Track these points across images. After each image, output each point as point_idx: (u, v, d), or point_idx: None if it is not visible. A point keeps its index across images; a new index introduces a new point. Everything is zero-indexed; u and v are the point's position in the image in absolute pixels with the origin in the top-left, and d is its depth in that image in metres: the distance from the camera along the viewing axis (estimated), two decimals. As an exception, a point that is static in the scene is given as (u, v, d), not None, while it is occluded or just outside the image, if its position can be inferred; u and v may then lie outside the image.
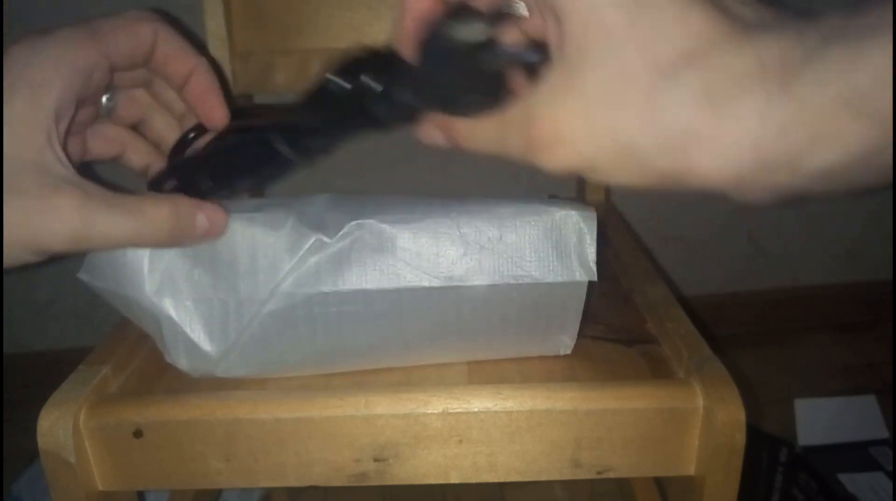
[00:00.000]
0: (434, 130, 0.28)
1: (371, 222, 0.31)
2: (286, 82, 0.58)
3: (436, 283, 0.31)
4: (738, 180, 0.21)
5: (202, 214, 0.31)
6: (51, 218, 0.27)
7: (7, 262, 0.28)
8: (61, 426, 0.31)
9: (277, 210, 0.32)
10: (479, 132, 0.26)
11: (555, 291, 0.32)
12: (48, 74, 0.28)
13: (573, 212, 0.32)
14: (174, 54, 0.32)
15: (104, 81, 0.31)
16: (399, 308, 0.32)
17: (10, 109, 0.27)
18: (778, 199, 0.23)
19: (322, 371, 0.35)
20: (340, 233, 0.31)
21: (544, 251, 0.32)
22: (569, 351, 0.36)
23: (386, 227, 0.31)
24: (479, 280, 0.32)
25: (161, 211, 0.29)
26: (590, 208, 0.33)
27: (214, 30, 0.56)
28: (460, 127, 0.27)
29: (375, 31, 0.58)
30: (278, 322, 0.32)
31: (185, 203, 0.30)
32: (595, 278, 0.32)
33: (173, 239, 0.30)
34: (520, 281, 0.32)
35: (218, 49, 0.57)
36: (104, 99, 0.33)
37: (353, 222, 0.31)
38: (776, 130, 0.19)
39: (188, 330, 0.32)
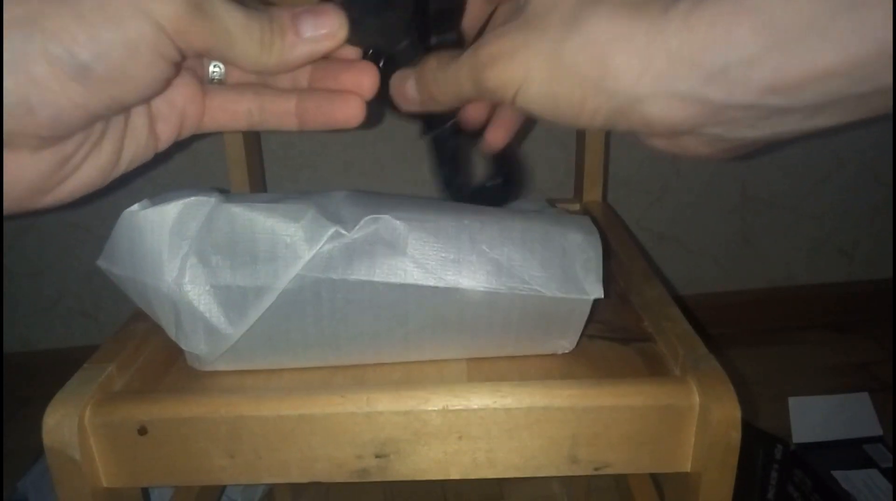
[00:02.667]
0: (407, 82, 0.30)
1: (386, 218, 0.32)
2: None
3: (441, 284, 0.32)
4: (666, 90, 0.22)
5: (306, 15, 0.26)
6: None
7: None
8: (66, 423, 0.32)
9: (298, 203, 0.33)
10: (443, 71, 0.28)
11: (560, 304, 0.33)
12: None
13: (579, 234, 0.33)
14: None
15: None
16: (403, 303, 0.33)
17: None
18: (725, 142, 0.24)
19: (325, 361, 0.36)
20: (357, 226, 0.31)
21: (551, 267, 0.33)
22: (566, 351, 0.37)
23: (400, 224, 0.32)
24: (484, 287, 0.32)
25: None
26: (595, 231, 0.34)
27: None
28: (429, 70, 0.29)
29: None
30: (288, 304, 0.32)
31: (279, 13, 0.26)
32: (602, 295, 0.33)
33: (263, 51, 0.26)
34: (526, 293, 0.32)
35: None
36: (210, 67, 0.29)
37: (369, 217, 0.32)
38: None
39: (207, 315, 0.32)
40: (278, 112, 0.30)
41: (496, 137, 0.35)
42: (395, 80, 0.31)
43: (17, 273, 0.93)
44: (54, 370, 0.40)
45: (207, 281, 0.32)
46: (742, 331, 1.04)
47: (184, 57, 0.25)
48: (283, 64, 0.26)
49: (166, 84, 0.26)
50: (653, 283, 0.43)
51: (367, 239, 0.32)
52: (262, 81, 0.31)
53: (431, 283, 0.32)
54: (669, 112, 0.22)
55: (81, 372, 0.35)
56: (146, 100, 0.27)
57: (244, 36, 0.25)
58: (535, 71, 0.24)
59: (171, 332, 0.34)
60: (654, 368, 0.35)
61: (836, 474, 0.69)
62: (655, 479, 0.56)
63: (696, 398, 0.32)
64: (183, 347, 0.34)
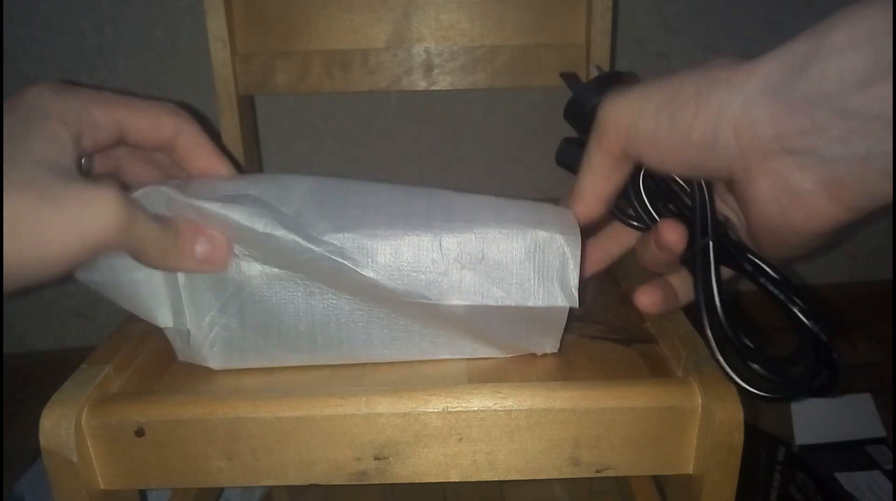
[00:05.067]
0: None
1: (350, 237, 0.31)
2: (287, 84, 0.59)
3: (419, 300, 0.31)
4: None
5: (203, 238, 0.31)
6: (91, 209, 0.25)
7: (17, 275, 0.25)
8: (63, 425, 0.32)
9: (253, 206, 0.31)
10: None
11: (536, 312, 0.32)
12: (69, 108, 0.28)
13: (558, 235, 0.31)
14: (196, 153, 0.33)
15: (101, 145, 0.30)
16: (375, 311, 0.33)
17: (34, 134, 0.26)
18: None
19: (314, 359, 0.35)
20: (319, 242, 0.30)
21: (525, 274, 0.31)
22: (552, 351, 0.36)
23: (367, 242, 0.31)
24: (459, 300, 0.31)
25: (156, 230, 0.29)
26: (575, 230, 0.32)
27: (216, 31, 0.56)
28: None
29: (376, 33, 0.58)
30: (275, 283, 0.32)
31: (185, 229, 0.30)
32: (576, 304, 0.31)
33: (166, 260, 0.30)
34: (500, 303, 0.31)
35: (219, 51, 0.57)
36: (83, 161, 0.31)
37: (330, 235, 0.30)
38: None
39: (189, 294, 0.33)
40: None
41: (647, 299, 0.33)
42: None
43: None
44: (51, 372, 0.40)
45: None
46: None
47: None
48: (175, 270, 0.31)
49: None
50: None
51: (332, 254, 0.30)
52: None
53: (406, 299, 0.31)
54: (775, 108, 0.24)
55: (78, 373, 0.34)
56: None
57: (153, 246, 0.29)
58: (641, 97, 0.27)
59: (168, 319, 0.34)
60: (656, 369, 0.35)
61: (839, 475, 0.68)
62: (658, 481, 0.56)
63: (699, 400, 0.32)
64: (187, 328, 0.34)
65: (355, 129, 0.89)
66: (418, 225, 0.32)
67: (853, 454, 0.72)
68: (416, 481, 0.33)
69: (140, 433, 0.32)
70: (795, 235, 0.27)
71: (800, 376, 0.30)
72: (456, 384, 0.33)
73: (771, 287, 0.30)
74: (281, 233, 0.30)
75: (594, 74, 0.35)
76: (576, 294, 0.31)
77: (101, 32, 0.82)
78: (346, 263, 0.30)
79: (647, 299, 0.33)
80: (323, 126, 0.89)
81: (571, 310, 0.33)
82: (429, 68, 0.59)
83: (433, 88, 0.60)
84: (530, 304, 0.31)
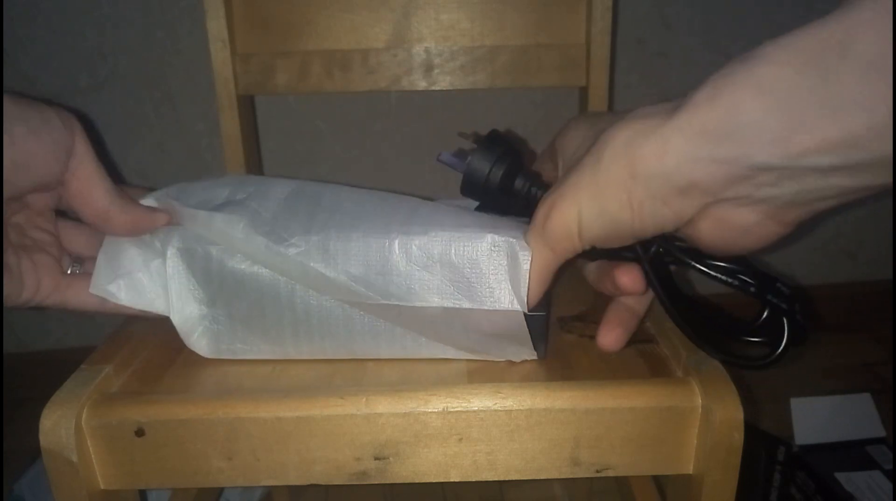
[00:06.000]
0: None
1: (315, 239, 0.32)
2: (287, 84, 0.59)
3: (380, 300, 0.32)
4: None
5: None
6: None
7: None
8: (63, 425, 0.32)
9: (233, 213, 0.34)
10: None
11: (493, 317, 0.32)
12: None
13: (512, 240, 0.31)
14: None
15: None
16: (346, 310, 0.34)
17: None
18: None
19: (300, 346, 0.36)
20: (289, 242, 0.32)
21: (478, 277, 0.31)
22: (530, 358, 0.35)
23: (331, 244, 0.32)
24: (419, 301, 0.32)
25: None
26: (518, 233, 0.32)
27: (216, 32, 0.56)
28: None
29: (376, 33, 0.58)
30: (259, 279, 0.34)
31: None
32: (525, 308, 0.31)
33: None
34: (453, 305, 0.31)
35: (219, 51, 0.57)
36: (70, 265, 0.36)
37: (298, 238, 0.32)
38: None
39: (176, 285, 0.35)
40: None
41: (610, 339, 0.34)
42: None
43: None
44: (51, 372, 0.40)
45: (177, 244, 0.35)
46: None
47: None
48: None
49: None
50: (654, 283, 0.42)
51: (301, 256, 0.32)
52: None
53: (370, 301, 0.32)
54: (696, 176, 0.25)
55: (78, 373, 0.34)
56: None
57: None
58: (584, 200, 0.28)
59: (166, 308, 0.36)
60: (656, 369, 0.35)
61: (839, 475, 0.68)
62: (658, 481, 0.56)
63: (699, 400, 0.32)
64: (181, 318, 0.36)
65: (355, 129, 0.89)
66: (380, 228, 0.33)
67: (853, 454, 0.72)
68: (416, 481, 0.33)
69: (140, 433, 0.32)
70: (741, 250, 0.28)
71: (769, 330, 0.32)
72: (456, 384, 0.33)
73: (724, 278, 0.31)
74: (255, 236, 0.33)
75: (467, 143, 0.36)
76: (525, 299, 0.31)
77: (101, 32, 0.82)
78: (311, 264, 0.32)
79: (609, 339, 0.34)
80: (323, 126, 0.89)
81: (548, 316, 0.34)
82: (429, 68, 0.59)
83: (433, 88, 0.60)
84: (484, 307, 0.31)
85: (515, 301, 0.31)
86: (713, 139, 0.24)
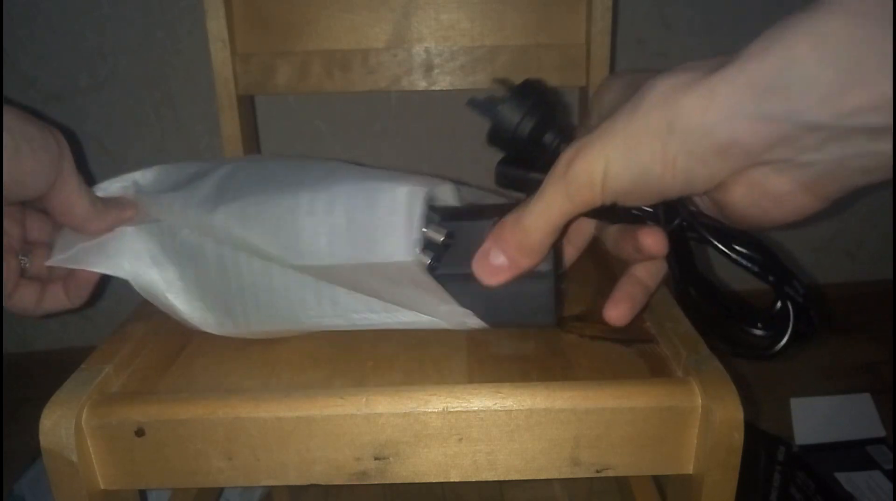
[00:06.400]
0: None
1: (236, 206, 0.34)
2: (287, 83, 0.59)
3: (298, 261, 0.33)
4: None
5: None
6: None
7: None
8: (63, 425, 0.32)
9: (178, 189, 0.37)
10: (526, 208, 0.30)
11: (392, 270, 0.32)
12: None
13: (399, 187, 0.31)
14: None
15: None
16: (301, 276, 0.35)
17: None
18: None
19: (248, 316, 0.37)
20: (212, 213, 0.34)
21: (370, 231, 0.32)
22: (476, 326, 0.36)
23: (248, 209, 0.33)
24: (329, 261, 0.32)
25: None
26: (422, 185, 0.32)
27: (216, 32, 0.56)
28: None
29: (376, 33, 0.58)
30: (205, 247, 0.36)
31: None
32: (413, 256, 0.31)
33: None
34: (359, 261, 0.32)
35: (219, 51, 0.57)
36: (24, 260, 0.37)
37: (223, 205, 0.34)
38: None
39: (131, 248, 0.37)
40: (57, 293, 0.38)
41: (617, 313, 0.33)
42: (477, 259, 0.32)
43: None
44: (51, 371, 0.40)
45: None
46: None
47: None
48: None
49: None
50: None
51: (225, 222, 0.34)
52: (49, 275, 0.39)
53: (290, 262, 0.33)
54: (739, 134, 0.24)
55: (78, 373, 0.34)
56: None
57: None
58: (614, 148, 0.26)
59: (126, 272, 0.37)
60: (656, 369, 0.35)
61: (839, 475, 0.68)
62: (658, 481, 0.56)
63: (699, 400, 0.32)
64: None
65: (355, 129, 0.89)
66: (292, 189, 0.33)
67: (853, 454, 0.72)
68: (416, 481, 0.33)
69: (140, 433, 0.32)
70: (771, 223, 0.27)
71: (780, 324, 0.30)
72: (456, 383, 0.33)
73: (734, 256, 0.30)
74: (188, 209, 0.35)
75: (499, 91, 0.34)
76: (415, 248, 0.31)
77: (101, 32, 0.82)
78: (234, 231, 0.34)
79: (616, 312, 0.33)
80: (323, 126, 0.89)
81: (558, 276, 0.32)
82: (429, 68, 0.59)
83: (433, 88, 0.59)
84: (378, 260, 0.31)
85: (408, 249, 0.31)
86: (762, 94, 0.23)
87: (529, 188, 0.32)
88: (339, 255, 0.32)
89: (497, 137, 0.34)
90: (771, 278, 0.30)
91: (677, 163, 0.25)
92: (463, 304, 0.34)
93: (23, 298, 0.37)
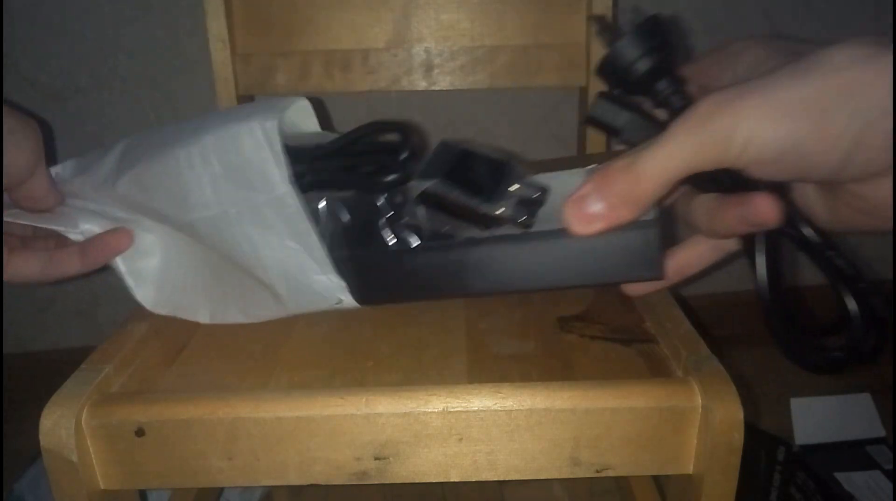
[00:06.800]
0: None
1: (131, 174, 0.36)
2: (287, 84, 0.59)
3: (192, 215, 0.34)
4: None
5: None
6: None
7: None
8: (63, 425, 0.32)
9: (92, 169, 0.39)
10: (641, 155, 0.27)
11: (266, 210, 0.33)
12: None
13: (256, 124, 0.32)
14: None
15: None
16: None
17: None
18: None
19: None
20: (117, 183, 0.36)
21: (247, 169, 0.33)
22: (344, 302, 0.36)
23: (143, 177, 0.35)
24: (218, 208, 0.34)
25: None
26: (273, 113, 0.33)
27: (216, 31, 0.56)
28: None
29: (376, 33, 0.58)
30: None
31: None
32: (278, 192, 0.32)
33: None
34: (246, 204, 0.33)
35: (219, 51, 0.57)
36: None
37: (126, 174, 0.36)
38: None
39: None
40: (63, 258, 0.39)
41: (636, 286, 0.32)
42: (571, 205, 0.29)
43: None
44: (51, 372, 0.40)
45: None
46: (745, 332, 1.03)
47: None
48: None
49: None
50: (654, 283, 0.42)
51: (129, 191, 0.36)
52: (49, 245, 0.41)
53: (189, 217, 0.35)
54: None
55: (78, 373, 0.34)
56: None
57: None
58: (767, 112, 0.23)
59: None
60: (656, 369, 0.35)
61: (839, 475, 0.68)
62: (657, 481, 0.56)
63: (699, 400, 0.32)
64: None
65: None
66: (169, 151, 0.35)
67: (853, 454, 0.72)
68: (416, 481, 0.33)
69: (140, 432, 0.32)
70: None
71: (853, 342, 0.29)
72: (456, 383, 0.33)
73: (838, 262, 0.29)
74: (99, 190, 0.37)
75: (626, 19, 0.31)
76: (284, 184, 0.32)
77: (101, 32, 0.82)
78: (138, 198, 0.36)
79: (634, 287, 0.32)
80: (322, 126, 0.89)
81: (663, 230, 0.31)
82: (429, 68, 0.59)
83: (433, 88, 0.59)
84: (258, 200, 0.33)
85: (283, 183, 0.32)
86: None
87: (621, 130, 0.30)
88: (226, 201, 0.33)
89: (608, 68, 0.31)
90: (859, 290, 0.28)
91: (840, 142, 0.23)
92: (553, 263, 0.32)
93: (27, 264, 0.39)
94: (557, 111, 0.88)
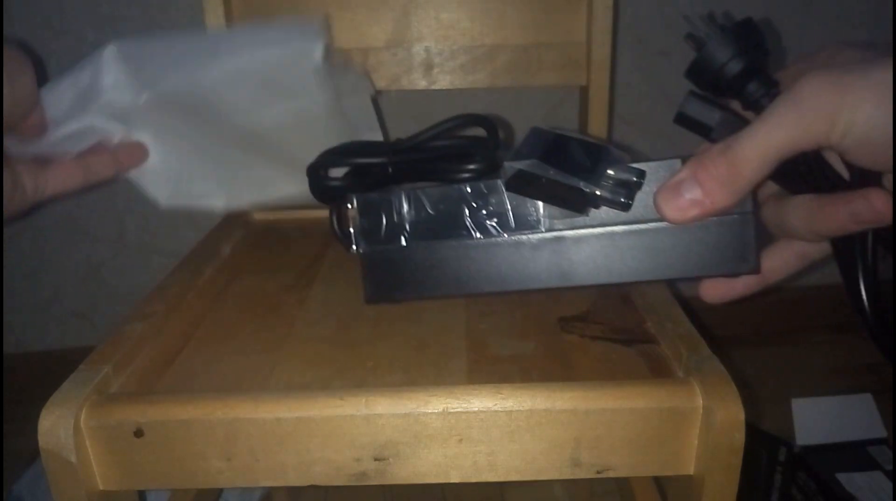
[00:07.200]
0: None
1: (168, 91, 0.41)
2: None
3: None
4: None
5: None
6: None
7: None
8: (62, 425, 0.31)
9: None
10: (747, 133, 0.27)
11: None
12: None
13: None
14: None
15: None
16: None
17: None
18: None
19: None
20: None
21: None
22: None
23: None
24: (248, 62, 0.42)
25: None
26: (317, 23, 0.39)
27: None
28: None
29: (376, 32, 0.58)
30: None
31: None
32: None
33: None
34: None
35: (218, 49, 0.56)
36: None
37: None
38: None
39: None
40: (99, 163, 0.44)
41: (716, 292, 0.31)
42: (665, 191, 0.28)
43: (11, 274, 0.93)
44: (49, 372, 0.40)
45: None
46: (746, 332, 1.03)
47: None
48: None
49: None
50: (656, 284, 0.42)
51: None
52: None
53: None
54: None
55: (77, 374, 0.34)
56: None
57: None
58: (876, 94, 0.23)
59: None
60: (657, 370, 0.35)
61: (840, 476, 0.68)
62: (658, 482, 0.56)
63: (700, 400, 0.31)
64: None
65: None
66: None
67: (855, 454, 0.72)
68: (416, 482, 0.33)
69: (139, 433, 0.32)
70: None
71: None
72: (456, 384, 0.33)
73: None
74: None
75: (704, 23, 0.31)
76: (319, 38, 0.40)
77: (100, 32, 0.81)
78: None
79: (714, 293, 0.31)
80: (323, 126, 0.88)
81: (757, 218, 0.30)
82: (429, 67, 0.59)
83: (433, 87, 0.59)
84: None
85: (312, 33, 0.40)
86: None
87: (713, 128, 0.30)
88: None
89: (697, 69, 0.31)
90: None
91: None
92: (645, 255, 0.32)
93: (70, 174, 0.43)
94: (558, 111, 0.88)
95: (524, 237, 0.33)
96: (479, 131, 0.35)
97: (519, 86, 0.60)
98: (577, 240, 0.32)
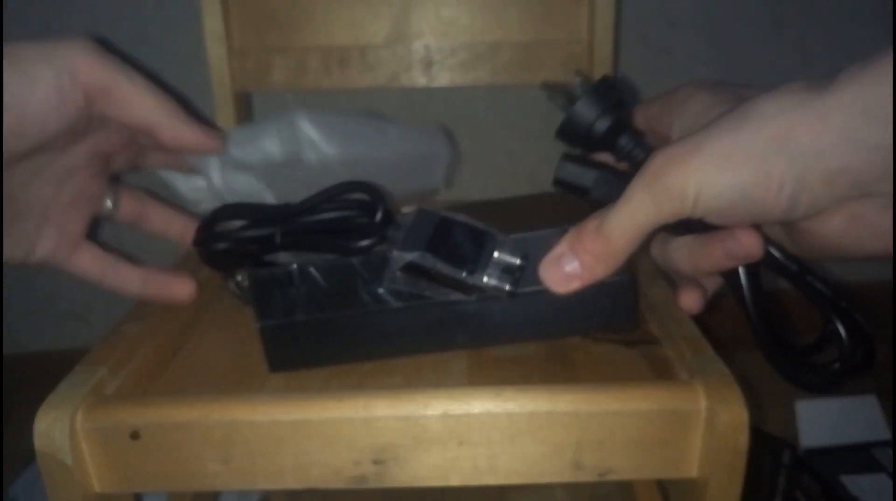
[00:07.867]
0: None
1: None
2: (284, 80, 0.58)
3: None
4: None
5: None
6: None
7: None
8: (58, 427, 0.31)
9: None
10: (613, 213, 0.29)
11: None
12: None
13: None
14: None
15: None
16: None
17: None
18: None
19: None
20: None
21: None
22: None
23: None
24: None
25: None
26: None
27: (212, 27, 0.56)
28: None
29: (375, 29, 0.58)
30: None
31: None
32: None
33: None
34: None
35: (216, 46, 0.56)
36: (108, 203, 0.39)
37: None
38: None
39: None
40: (125, 274, 0.39)
41: (690, 299, 0.33)
42: (547, 265, 0.31)
43: (7, 275, 0.92)
44: (45, 374, 0.40)
45: None
46: (749, 334, 1.03)
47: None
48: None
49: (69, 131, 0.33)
50: (658, 285, 0.42)
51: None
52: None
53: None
54: (850, 160, 0.23)
55: (73, 376, 0.34)
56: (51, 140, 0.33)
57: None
58: (715, 165, 0.25)
59: None
60: (660, 371, 0.35)
61: (845, 479, 0.68)
62: (661, 485, 0.56)
63: (703, 403, 0.31)
64: None
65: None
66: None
67: (859, 457, 0.72)
68: (416, 485, 0.33)
69: (135, 435, 0.32)
70: (864, 255, 0.27)
71: (841, 360, 0.32)
72: (456, 386, 0.33)
73: (818, 285, 0.31)
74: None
75: (576, 83, 0.33)
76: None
77: (99, 32, 0.81)
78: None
79: (689, 300, 0.33)
80: (323, 125, 0.88)
81: (634, 282, 0.33)
82: (428, 65, 0.58)
83: (433, 84, 0.59)
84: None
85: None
86: (878, 121, 0.22)
87: (590, 190, 0.32)
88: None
89: (568, 130, 0.33)
90: (841, 309, 0.30)
91: (783, 189, 0.24)
92: (535, 317, 0.34)
93: (92, 261, 0.39)
94: (559, 109, 0.87)
95: (418, 303, 0.34)
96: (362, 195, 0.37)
97: (520, 83, 0.60)
98: (468, 305, 0.34)
